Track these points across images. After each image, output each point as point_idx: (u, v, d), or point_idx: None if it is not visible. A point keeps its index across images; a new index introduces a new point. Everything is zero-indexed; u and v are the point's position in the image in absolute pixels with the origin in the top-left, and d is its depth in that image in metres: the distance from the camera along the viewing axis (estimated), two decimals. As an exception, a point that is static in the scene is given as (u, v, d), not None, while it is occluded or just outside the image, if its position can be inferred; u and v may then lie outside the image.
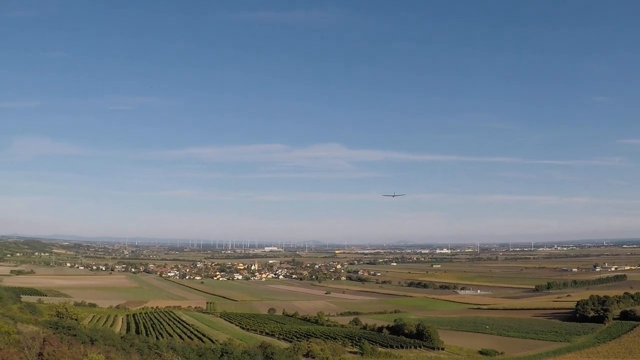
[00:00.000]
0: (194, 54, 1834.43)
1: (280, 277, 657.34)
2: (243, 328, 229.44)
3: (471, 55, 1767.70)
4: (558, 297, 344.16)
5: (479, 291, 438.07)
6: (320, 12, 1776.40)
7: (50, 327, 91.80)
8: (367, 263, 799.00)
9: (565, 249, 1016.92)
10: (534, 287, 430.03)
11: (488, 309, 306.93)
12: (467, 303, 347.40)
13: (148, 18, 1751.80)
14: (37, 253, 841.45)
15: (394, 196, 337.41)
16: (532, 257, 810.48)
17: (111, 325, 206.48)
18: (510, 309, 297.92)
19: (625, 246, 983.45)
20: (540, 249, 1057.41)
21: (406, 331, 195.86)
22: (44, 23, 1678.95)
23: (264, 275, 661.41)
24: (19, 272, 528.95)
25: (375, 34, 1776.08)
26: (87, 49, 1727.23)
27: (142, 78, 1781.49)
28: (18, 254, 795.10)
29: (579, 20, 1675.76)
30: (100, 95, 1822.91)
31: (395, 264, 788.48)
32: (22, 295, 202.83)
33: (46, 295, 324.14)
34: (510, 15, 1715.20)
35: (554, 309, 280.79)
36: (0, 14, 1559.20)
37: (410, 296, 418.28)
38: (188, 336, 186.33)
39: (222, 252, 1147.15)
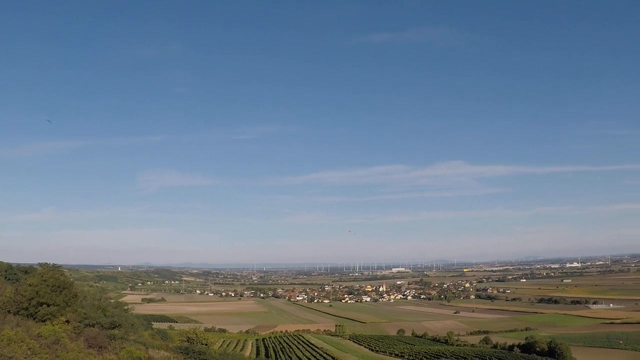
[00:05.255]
0: (310, 78, 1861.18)
1: (409, 297, 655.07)
2: (372, 350, 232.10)
3: (592, 59, 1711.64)
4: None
5: (611, 305, 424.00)
6: (432, 30, 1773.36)
7: (181, 352, 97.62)
8: (496, 280, 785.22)
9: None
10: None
11: (621, 323, 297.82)
12: (600, 318, 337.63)
13: (263, 43, 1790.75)
14: (167, 281, 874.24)
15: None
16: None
17: (241, 350, 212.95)
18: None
19: None
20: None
21: (537, 349, 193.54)
22: (167, 61, 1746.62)
23: (392, 297, 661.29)
24: (150, 300, 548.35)
25: (487, 47, 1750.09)
26: (208, 85, 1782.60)
27: (263, 108, 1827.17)
28: (149, 283, 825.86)
29: None
30: (223, 127, 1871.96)
31: (524, 280, 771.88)
32: (153, 322, 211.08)
33: (176, 322, 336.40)
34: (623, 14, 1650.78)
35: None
36: (127, 55, 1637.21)
37: (541, 313, 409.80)
38: (317, 359, 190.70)
39: (350, 274, 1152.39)
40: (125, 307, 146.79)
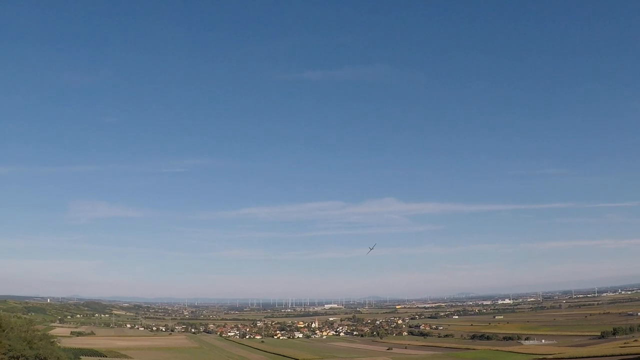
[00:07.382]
0: (244, 112, 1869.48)
1: (341, 334, 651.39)
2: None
3: (524, 94, 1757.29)
4: (625, 343, 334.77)
5: (543, 341, 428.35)
6: (366, 68, 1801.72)
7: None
8: (429, 317, 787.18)
9: (630, 292, 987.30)
10: (599, 333, 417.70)
11: (553, 359, 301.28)
12: (532, 354, 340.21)
13: (195, 76, 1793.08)
14: (97, 314, 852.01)
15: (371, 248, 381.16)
16: (596, 302, 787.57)
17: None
18: (577, 357, 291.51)
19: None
20: (604, 294, 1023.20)
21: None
22: (98, 89, 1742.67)
23: (324, 333, 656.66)
24: (79, 334, 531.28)
25: (420, 82, 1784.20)
26: (138, 115, 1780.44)
27: (194, 141, 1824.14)
28: (78, 316, 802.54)
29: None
30: (154, 159, 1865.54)
31: (457, 316, 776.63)
32: (81, 357, 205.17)
33: (106, 357, 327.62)
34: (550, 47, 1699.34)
35: (621, 355, 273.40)
36: (58, 82, 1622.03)
37: (473, 349, 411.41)
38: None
39: (282, 310, 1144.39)
40: (52, 340, 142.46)
